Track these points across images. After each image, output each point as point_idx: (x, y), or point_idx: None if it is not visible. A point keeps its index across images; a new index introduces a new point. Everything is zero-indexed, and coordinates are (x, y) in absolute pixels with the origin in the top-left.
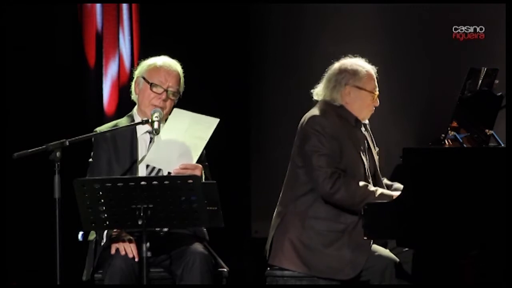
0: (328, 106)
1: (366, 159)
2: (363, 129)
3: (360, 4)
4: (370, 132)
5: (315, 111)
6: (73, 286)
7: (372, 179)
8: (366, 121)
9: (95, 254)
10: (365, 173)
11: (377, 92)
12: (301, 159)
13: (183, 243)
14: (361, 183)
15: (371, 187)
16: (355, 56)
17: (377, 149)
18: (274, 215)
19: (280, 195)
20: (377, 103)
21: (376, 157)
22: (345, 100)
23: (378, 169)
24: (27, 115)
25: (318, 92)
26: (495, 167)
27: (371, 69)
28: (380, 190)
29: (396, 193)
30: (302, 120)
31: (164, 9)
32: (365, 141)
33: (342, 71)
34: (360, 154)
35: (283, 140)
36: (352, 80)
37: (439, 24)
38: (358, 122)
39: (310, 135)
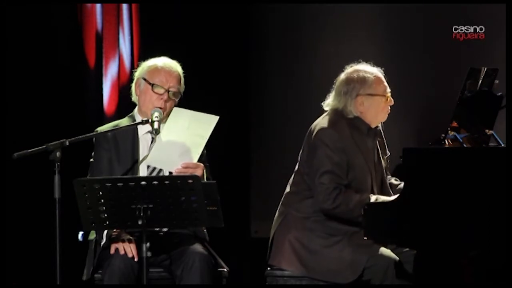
0: (339, 116)
1: (375, 170)
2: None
3: (360, 4)
4: (383, 135)
5: (325, 122)
6: (73, 286)
7: (378, 188)
8: (379, 125)
9: (95, 254)
10: (372, 184)
11: (389, 93)
12: (307, 167)
13: (183, 243)
14: (361, 197)
15: (372, 197)
16: (359, 62)
17: (388, 153)
18: (276, 214)
19: (284, 195)
20: (392, 102)
21: (384, 165)
22: (360, 110)
23: (386, 176)
24: (27, 115)
25: (329, 104)
26: (495, 167)
27: (378, 72)
28: (381, 198)
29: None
30: (312, 128)
31: (164, 9)
32: (375, 151)
33: (350, 81)
34: (368, 166)
35: (283, 140)
36: (363, 89)
37: (439, 24)
38: (370, 131)
39: (318, 147)
